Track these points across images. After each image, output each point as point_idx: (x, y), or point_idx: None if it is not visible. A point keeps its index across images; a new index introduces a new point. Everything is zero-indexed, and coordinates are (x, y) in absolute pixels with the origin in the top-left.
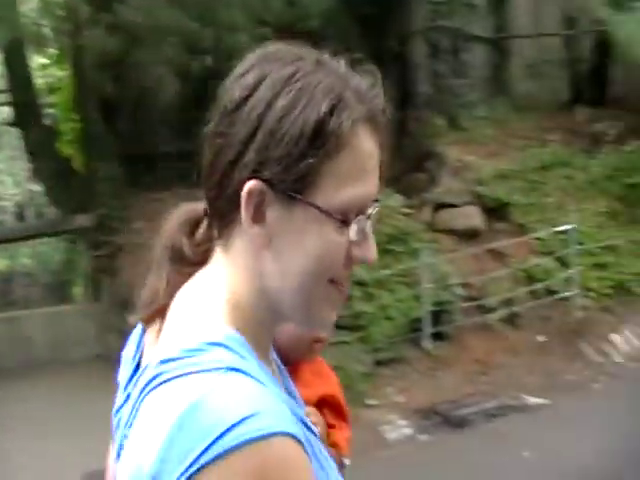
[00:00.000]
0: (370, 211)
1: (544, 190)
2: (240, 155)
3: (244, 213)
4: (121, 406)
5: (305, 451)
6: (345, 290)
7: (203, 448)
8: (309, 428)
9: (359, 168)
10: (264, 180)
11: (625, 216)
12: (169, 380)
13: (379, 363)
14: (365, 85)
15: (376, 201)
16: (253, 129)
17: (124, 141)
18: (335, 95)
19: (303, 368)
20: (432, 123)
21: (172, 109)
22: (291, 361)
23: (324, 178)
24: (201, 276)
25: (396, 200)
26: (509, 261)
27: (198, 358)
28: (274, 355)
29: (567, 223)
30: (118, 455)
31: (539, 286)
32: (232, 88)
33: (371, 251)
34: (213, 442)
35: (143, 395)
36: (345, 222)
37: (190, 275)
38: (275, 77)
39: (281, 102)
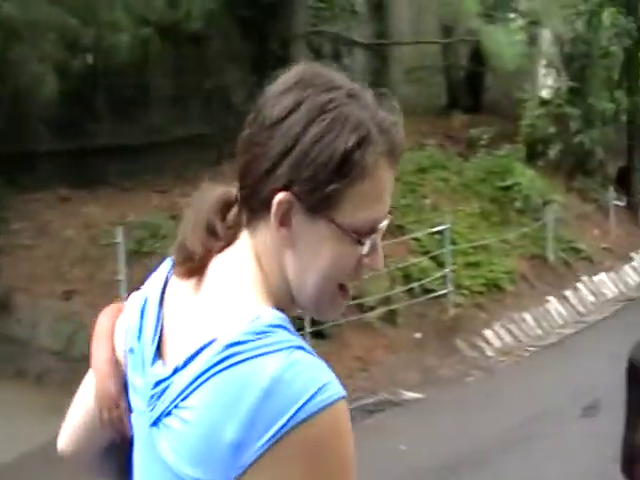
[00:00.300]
0: (381, 227)
1: (421, 192)
2: (275, 167)
3: (273, 217)
4: (161, 380)
5: None
6: (349, 294)
7: (291, 414)
8: None
9: (377, 195)
10: (294, 193)
11: (497, 217)
12: (242, 361)
13: None
14: (389, 120)
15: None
16: (288, 147)
17: (0, 140)
18: (363, 129)
19: None
20: None
21: (51, 107)
22: None
23: (345, 201)
24: (233, 256)
25: None
26: (387, 261)
27: (266, 340)
28: None
29: (442, 224)
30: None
31: (416, 285)
32: (272, 105)
33: (379, 261)
34: (300, 408)
35: (209, 375)
36: (360, 239)
37: (218, 252)
38: (311, 104)
39: (315, 129)
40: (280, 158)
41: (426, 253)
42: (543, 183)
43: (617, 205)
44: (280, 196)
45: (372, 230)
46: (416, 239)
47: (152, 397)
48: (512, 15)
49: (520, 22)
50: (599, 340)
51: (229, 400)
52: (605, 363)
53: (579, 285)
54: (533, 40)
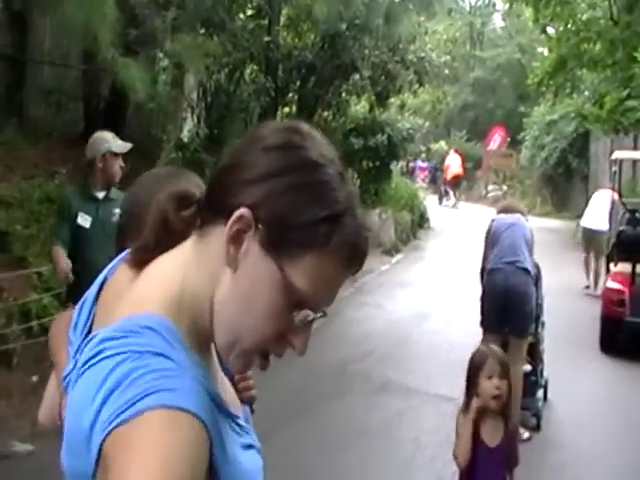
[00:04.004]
0: (317, 315)
1: (47, 223)
2: (252, 182)
3: (227, 229)
4: (70, 371)
5: (208, 434)
6: (266, 364)
7: (124, 409)
8: (234, 420)
9: (329, 280)
10: (256, 217)
11: None
12: (106, 358)
13: None
14: (362, 221)
15: (324, 311)
16: (278, 174)
17: None
18: (342, 210)
19: None
20: None
21: None
22: None
23: (302, 261)
24: (167, 259)
25: None
26: (4, 295)
27: (133, 339)
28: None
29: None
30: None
31: (35, 323)
32: (272, 132)
33: (304, 345)
34: (132, 404)
35: (85, 368)
36: (299, 306)
37: (172, 246)
38: (308, 156)
39: (318, 176)
40: (264, 178)
41: (49, 290)
42: None
43: None
44: (243, 211)
45: (308, 307)
46: (38, 273)
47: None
48: (160, 55)
49: (166, 62)
50: None
51: (88, 394)
52: None
53: None
54: (179, 83)
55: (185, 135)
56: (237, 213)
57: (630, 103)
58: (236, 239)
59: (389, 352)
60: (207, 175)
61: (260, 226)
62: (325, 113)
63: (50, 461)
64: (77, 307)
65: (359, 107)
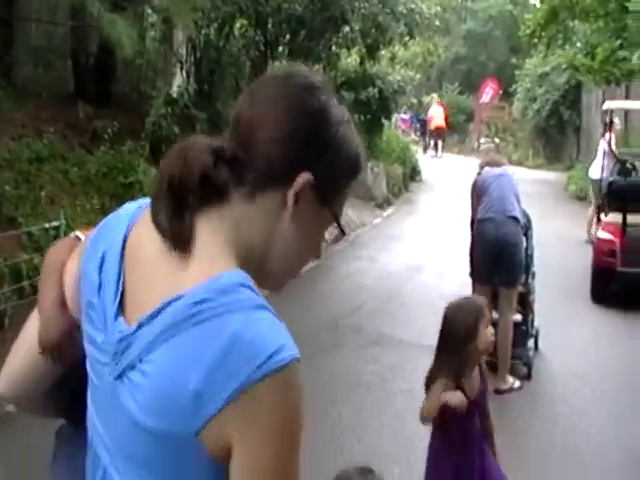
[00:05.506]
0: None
1: (37, 183)
2: (298, 148)
3: (291, 193)
4: (125, 335)
5: None
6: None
7: (249, 372)
8: None
9: (344, 202)
10: (315, 177)
11: None
12: (208, 318)
13: None
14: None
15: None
16: (319, 136)
17: None
18: (362, 159)
19: None
20: None
21: None
22: None
23: (341, 197)
24: (216, 215)
25: None
26: None
27: (231, 298)
28: None
29: (58, 219)
30: (118, 376)
31: (26, 284)
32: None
33: (321, 251)
34: (257, 368)
35: (175, 330)
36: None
37: (203, 206)
38: (339, 109)
39: (345, 129)
40: (304, 140)
41: (39, 250)
42: None
43: None
44: (305, 176)
45: (338, 228)
46: (29, 234)
47: (116, 353)
48: (148, 10)
49: (154, 18)
50: None
51: (193, 353)
52: None
53: None
54: (167, 39)
55: (175, 91)
56: (300, 180)
57: (622, 53)
58: (297, 200)
59: (382, 305)
60: (197, 130)
61: (318, 184)
62: (316, 67)
63: (41, 421)
64: (91, 259)
65: (350, 60)
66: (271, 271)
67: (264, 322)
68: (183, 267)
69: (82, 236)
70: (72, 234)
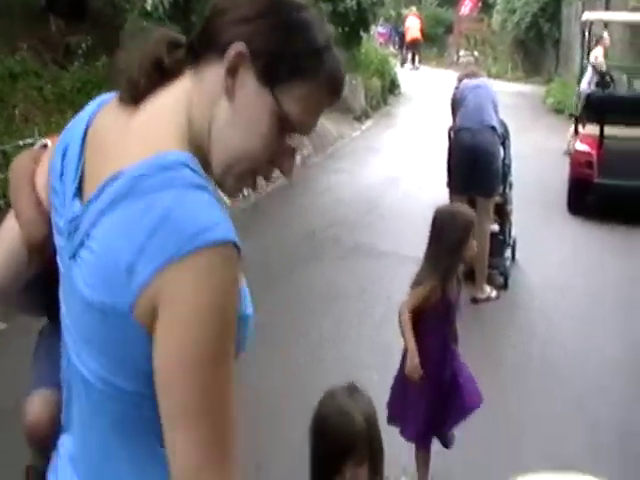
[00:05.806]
0: (297, 137)
1: (11, 101)
2: (248, 20)
3: (225, 62)
4: (76, 215)
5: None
6: (257, 184)
7: (182, 242)
8: None
9: (315, 106)
10: (252, 51)
11: None
12: (144, 194)
13: None
14: (340, 59)
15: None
16: (272, 12)
17: None
18: (324, 46)
19: None
20: None
21: None
22: None
23: (293, 90)
24: (168, 94)
25: None
26: None
27: (170, 175)
28: None
29: (33, 136)
30: (73, 256)
31: (1, 202)
32: None
33: (290, 168)
34: (186, 242)
35: (114, 206)
36: (288, 130)
37: (158, 86)
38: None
39: (305, 14)
40: (253, 18)
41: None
42: None
43: None
44: (238, 45)
45: (296, 131)
46: (2, 152)
47: (70, 232)
48: None
49: None
50: None
51: (127, 227)
52: None
53: None
54: None
55: (149, 4)
56: (233, 47)
57: None
58: (233, 71)
59: (360, 217)
60: None
61: (253, 59)
62: None
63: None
64: (56, 153)
65: None
66: (215, 160)
67: (200, 200)
68: (134, 145)
69: (50, 143)
70: (39, 143)
